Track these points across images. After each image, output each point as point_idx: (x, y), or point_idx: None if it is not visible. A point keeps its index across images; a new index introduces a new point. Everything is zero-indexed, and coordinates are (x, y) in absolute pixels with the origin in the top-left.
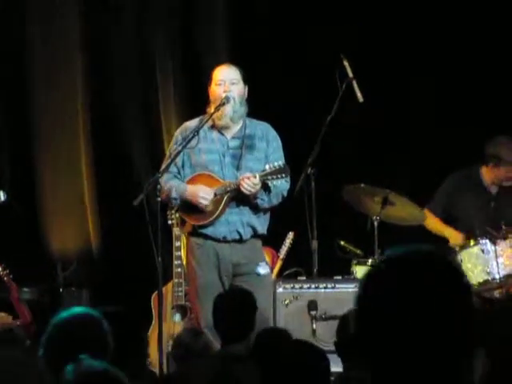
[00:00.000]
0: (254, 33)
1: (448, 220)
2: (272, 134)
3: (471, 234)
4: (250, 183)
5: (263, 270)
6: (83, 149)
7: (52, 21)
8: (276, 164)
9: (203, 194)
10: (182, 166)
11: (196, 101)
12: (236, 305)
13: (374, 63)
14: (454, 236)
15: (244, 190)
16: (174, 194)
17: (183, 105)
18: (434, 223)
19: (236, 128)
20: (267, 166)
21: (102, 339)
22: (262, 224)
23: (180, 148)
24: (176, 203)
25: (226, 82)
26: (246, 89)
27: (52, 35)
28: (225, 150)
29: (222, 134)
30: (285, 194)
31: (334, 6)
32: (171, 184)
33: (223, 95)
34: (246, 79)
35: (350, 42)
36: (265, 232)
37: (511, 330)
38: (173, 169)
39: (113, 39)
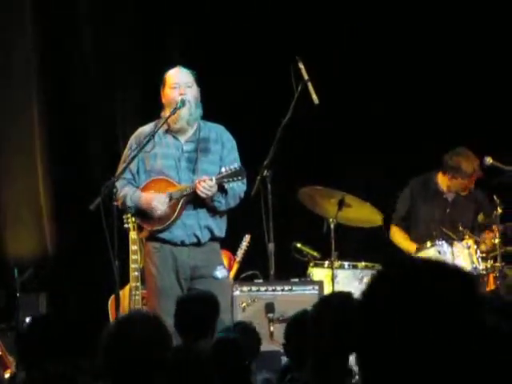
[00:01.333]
0: (207, 35)
1: (407, 225)
2: (226, 135)
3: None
4: (206, 186)
5: (221, 273)
6: (39, 152)
7: None
8: (232, 167)
9: (157, 203)
10: (137, 172)
11: (151, 105)
12: (199, 307)
13: (330, 65)
14: (411, 250)
15: (200, 193)
16: (128, 203)
17: (140, 108)
18: (400, 239)
19: (190, 132)
20: (223, 169)
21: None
22: (219, 226)
23: (136, 152)
24: (131, 211)
25: (181, 85)
26: (199, 92)
27: None
28: (180, 154)
29: (177, 139)
30: (242, 195)
31: (288, 7)
32: (125, 191)
33: (179, 98)
34: (199, 82)
35: (306, 44)
36: (223, 235)
37: None
38: (127, 175)
39: (69, 44)
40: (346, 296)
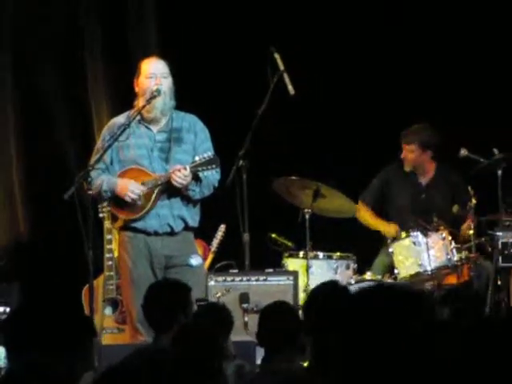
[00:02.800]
0: (182, 25)
1: (380, 211)
2: (199, 125)
3: (402, 227)
4: (180, 175)
5: (196, 261)
6: (13, 141)
7: None
8: (206, 155)
9: (133, 188)
10: (111, 163)
11: (125, 96)
12: (168, 295)
13: (305, 55)
14: (386, 228)
15: (175, 183)
16: (104, 187)
17: (113, 99)
18: (366, 216)
19: (163, 122)
20: (197, 158)
21: None
22: (192, 217)
23: (108, 143)
24: (107, 196)
25: (158, 75)
26: (173, 83)
27: None
28: (152, 144)
29: (149, 129)
30: (216, 184)
31: None
32: (101, 179)
33: (154, 88)
34: (176, 72)
35: (281, 35)
36: (196, 225)
37: None
38: (101, 165)
39: (42, 30)
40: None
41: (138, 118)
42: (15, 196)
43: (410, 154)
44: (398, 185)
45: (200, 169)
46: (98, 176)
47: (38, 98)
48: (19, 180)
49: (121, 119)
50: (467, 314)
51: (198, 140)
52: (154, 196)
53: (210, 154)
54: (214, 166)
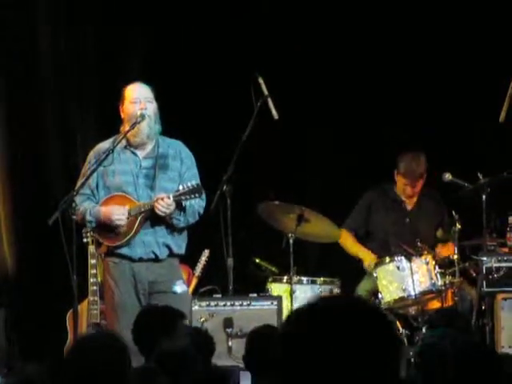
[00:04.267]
0: (166, 50)
1: (364, 237)
2: (185, 152)
3: (386, 252)
4: (163, 204)
5: (180, 288)
6: None
7: None
8: (189, 184)
9: (117, 215)
10: (96, 188)
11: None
12: (160, 321)
13: (290, 80)
14: (367, 257)
15: (158, 212)
16: (88, 217)
17: (99, 124)
18: (349, 243)
19: (149, 147)
20: (181, 187)
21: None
22: (178, 244)
23: (93, 168)
24: (91, 225)
25: (141, 100)
26: (157, 108)
27: None
28: (138, 170)
29: (135, 154)
30: (201, 211)
31: (246, 23)
32: (85, 207)
33: (139, 112)
34: (160, 96)
35: (265, 59)
36: (182, 252)
37: None
38: (86, 191)
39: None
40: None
41: (124, 143)
42: (0, 221)
43: (420, 186)
44: (381, 210)
45: (183, 198)
46: (82, 202)
47: (23, 125)
48: (4, 206)
49: (106, 144)
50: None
51: (183, 167)
52: (137, 223)
53: (193, 182)
54: (197, 194)
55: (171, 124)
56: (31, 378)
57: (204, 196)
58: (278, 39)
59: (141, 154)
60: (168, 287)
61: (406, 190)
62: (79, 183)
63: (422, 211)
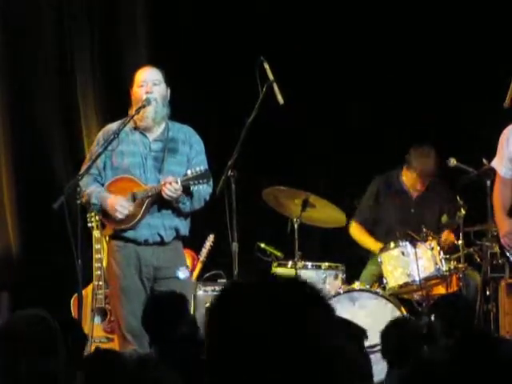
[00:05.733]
0: (175, 35)
1: (370, 223)
2: (195, 137)
3: (392, 239)
4: (171, 188)
5: (183, 274)
6: (2, 150)
7: None
8: (198, 169)
9: (120, 208)
10: (104, 168)
11: (118, 104)
12: (168, 306)
13: (295, 65)
14: (374, 247)
15: (165, 196)
16: (93, 200)
17: (104, 108)
18: (359, 235)
19: (158, 130)
20: (189, 171)
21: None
22: (183, 226)
23: (101, 150)
24: (95, 208)
25: (148, 83)
26: (169, 91)
27: None
28: (147, 152)
29: (145, 136)
30: (207, 198)
31: (254, 7)
32: (91, 189)
33: (144, 97)
34: (168, 81)
35: (271, 44)
36: (187, 234)
37: None
38: (94, 171)
39: (30, 39)
40: None
41: (133, 125)
42: (5, 205)
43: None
44: (387, 198)
45: (191, 183)
46: (89, 184)
47: (27, 109)
48: (9, 189)
49: (115, 125)
50: (459, 325)
51: (192, 152)
52: (144, 207)
53: (202, 168)
54: (205, 180)
55: (177, 109)
56: None
57: (211, 182)
58: (284, 24)
59: (151, 136)
60: (172, 273)
61: (415, 185)
62: (85, 165)
63: (427, 199)
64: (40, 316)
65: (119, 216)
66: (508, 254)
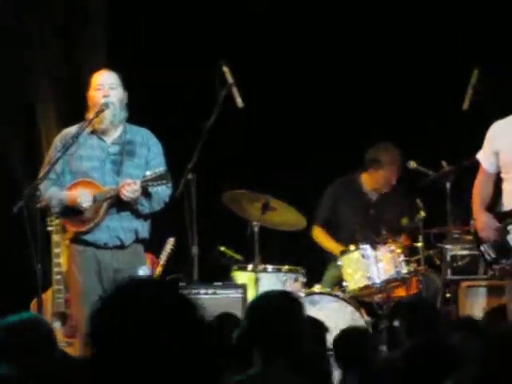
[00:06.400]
0: (131, 37)
1: (330, 227)
2: (153, 140)
3: (353, 242)
4: (130, 190)
5: (144, 273)
6: None
7: None
8: (157, 170)
9: (83, 197)
10: (62, 173)
11: (76, 106)
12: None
13: (254, 68)
14: (336, 250)
15: (124, 197)
16: (53, 202)
17: (63, 109)
18: (322, 239)
19: (116, 134)
20: (148, 173)
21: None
22: (143, 228)
23: (59, 154)
24: (56, 211)
25: (105, 86)
26: (126, 94)
27: None
28: (105, 155)
29: (102, 140)
30: (166, 199)
31: (213, 10)
32: (50, 193)
33: (102, 101)
34: (125, 84)
35: (230, 48)
36: (147, 236)
37: None
38: (52, 176)
39: None
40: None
41: (90, 129)
42: None
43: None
44: (347, 200)
45: (150, 184)
46: (48, 188)
47: None
48: None
49: (73, 130)
50: (421, 327)
51: (150, 154)
52: (103, 209)
53: (161, 169)
54: (164, 181)
55: (136, 112)
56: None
57: (171, 184)
58: (244, 26)
59: (108, 139)
60: (132, 273)
61: (391, 180)
62: (44, 169)
63: (386, 202)
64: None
65: (84, 205)
66: (482, 247)
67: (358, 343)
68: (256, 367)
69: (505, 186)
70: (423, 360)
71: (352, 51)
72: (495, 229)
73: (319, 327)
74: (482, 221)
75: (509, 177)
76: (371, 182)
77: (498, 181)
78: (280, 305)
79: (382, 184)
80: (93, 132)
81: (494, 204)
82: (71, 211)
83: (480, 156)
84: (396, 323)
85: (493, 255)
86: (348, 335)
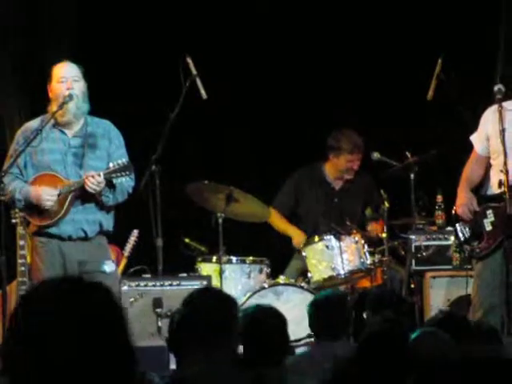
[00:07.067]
0: (95, 29)
1: (293, 217)
2: (114, 131)
3: (316, 232)
4: (94, 181)
5: (109, 267)
6: None
7: None
8: (120, 162)
9: (47, 196)
10: (25, 167)
11: (37, 99)
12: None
13: (218, 60)
14: (296, 235)
15: (88, 189)
16: (17, 196)
17: (25, 103)
18: (278, 222)
19: (77, 126)
20: (111, 164)
21: None
22: (107, 220)
23: (22, 148)
24: (20, 205)
25: (69, 79)
26: (86, 87)
27: None
28: (66, 148)
29: (64, 133)
30: (130, 190)
31: (176, 4)
32: (14, 186)
33: (66, 93)
34: (87, 76)
35: (195, 40)
36: (111, 229)
37: None
38: (14, 170)
39: None
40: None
41: (52, 122)
42: None
43: (358, 162)
44: (310, 189)
45: (114, 175)
46: (11, 182)
47: None
48: None
49: (34, 124)
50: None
51: (112, 146)
52: (67, 202)
53: (124, 160)
54: (127, 172)
55: (100, 103)
56: None
57: (133, 175)
58: (206, 19)
59: (69, 132)
60: (97, 267)
61: (353, 166)
62: (7, 163)
63: (350, 191)
64: None
65: (48, 204)
66: (458, 225)
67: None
68: (195, 364)
69: (492, 172)
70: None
71: (314, 41)
72: (471, 209)
73: (279, 318)
74: (462, 198)
75: (495, 163)
76: (333, 169)
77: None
78: (211, 301)
79: (344, 170)
80: (55, 125)
81: (481, 188)
82: (35, 206)
83: (473, 138)
84: (365, 315)
85: (466, 235)
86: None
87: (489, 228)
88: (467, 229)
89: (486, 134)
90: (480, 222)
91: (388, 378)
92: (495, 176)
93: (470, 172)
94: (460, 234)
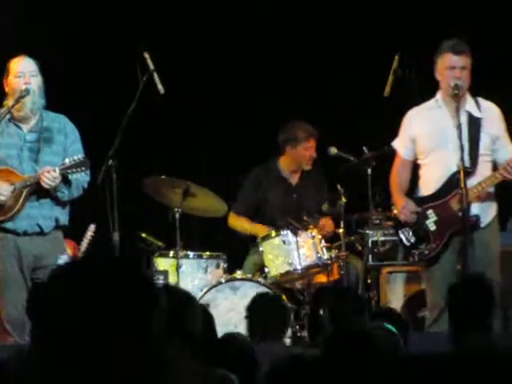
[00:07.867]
0: (54, 24)
1: (253, 215)
2: (70, 126)
3: (275, 225)
4: (49, 177)
5: (64, 261)
6: None
7: None
8: (76, 157)
9: (0, 191)
10: None
11: None
12: None
13: (175, 55)
14: (263, 232)
15: (44, 184)
16: None
17: None
18: (240, 224)
19: (33, 121)
20: (67, 160)
21: None
22: (63, 215)
23: None
24: None
25: (26, 74)
26: (42, 81)
27: None
28: (22, 143)
29: (19, 128)
30: (85, 186)
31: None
32: None
33: (23, 87)
34: (43, 72)
35: (151, 34)
36: (66, 223)
37: None
38: None
39: None
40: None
41: (8, 116)
42: None
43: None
44: (269, 186)
45: (69, 171)
46: None
47: None
48: None
49: None
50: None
51: (68, 141)
52: (22, 197)
53: (80, 156)
54: (83, 168)
55: (56, 98)
56: None
57: (89, 171)
58: (163, 13)
59: (25, 127)
60: (52, 261)
61: (312, 153)
62: None
63: (306, 186)
64: None
65: (1, 199)
66: (401, 232)
67: None
68: None
69: (422, 172)
70: (344, 348)
71: (269, 35)
72: (414, 212)
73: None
74: (402, 204)
75: (425, 162)
76: (290, 163)
77: (414, 167)
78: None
79: (301, 161)
80: (10, 120)
81: (410, 190)
82: None
83: (396, 144)
84: (321, 311)
85: (412, 240)
86: None
87: (433, 228)
88: (410, 233)
89: (410, 137)
90: (422, 224)
91: (353, 376)
92: (427, 174)
93: (399, 177)
94: (405, 240)
